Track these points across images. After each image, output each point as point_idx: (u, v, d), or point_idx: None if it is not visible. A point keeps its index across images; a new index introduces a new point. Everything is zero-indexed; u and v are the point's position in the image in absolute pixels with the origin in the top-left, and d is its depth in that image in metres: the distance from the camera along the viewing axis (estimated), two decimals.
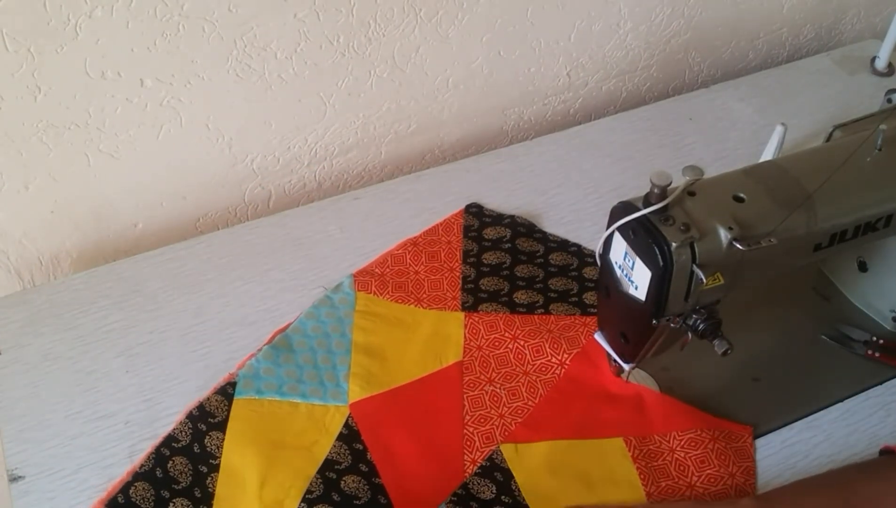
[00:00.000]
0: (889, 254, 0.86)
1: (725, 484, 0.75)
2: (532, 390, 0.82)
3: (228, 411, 0.79)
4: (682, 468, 0.76)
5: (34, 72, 0.81)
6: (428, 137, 1.12)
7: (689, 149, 1.10)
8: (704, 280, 0.65)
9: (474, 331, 0.87)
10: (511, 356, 0.85)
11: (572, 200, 1.03)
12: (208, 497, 0.73)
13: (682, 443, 0.77)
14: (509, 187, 1.04)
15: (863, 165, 0.74)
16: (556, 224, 0.99)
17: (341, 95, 1.00)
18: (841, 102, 1.17)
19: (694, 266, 0.65)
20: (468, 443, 0.78)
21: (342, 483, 0.75)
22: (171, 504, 0.72)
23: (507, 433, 0.78)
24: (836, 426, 0.81)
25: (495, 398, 0.81)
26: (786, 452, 0.79)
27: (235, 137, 0.98)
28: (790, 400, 0.83)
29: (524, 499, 0.74)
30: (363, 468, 0.76)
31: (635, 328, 0.71)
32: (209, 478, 0.74)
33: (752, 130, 1.12)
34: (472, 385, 0.82)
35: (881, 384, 0.84)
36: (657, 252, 0.64)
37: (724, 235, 0.65)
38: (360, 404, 0.80)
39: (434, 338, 0.86)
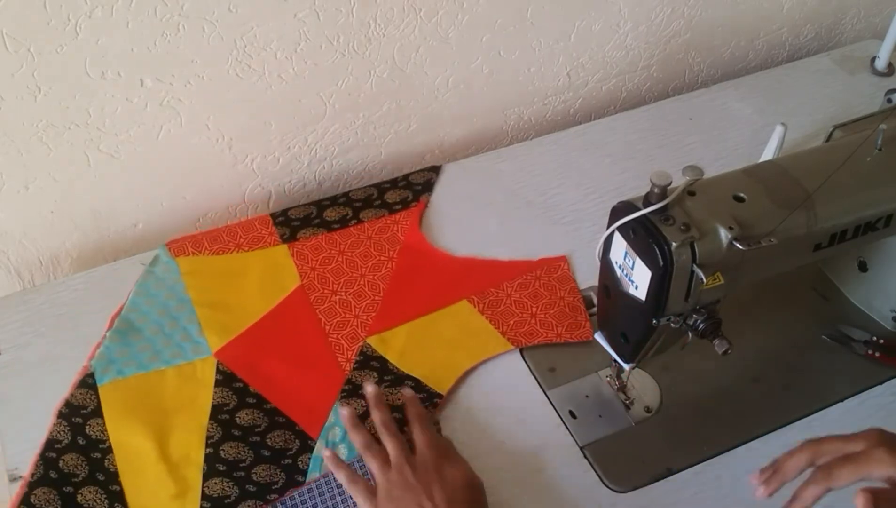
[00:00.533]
0: (889, 254, 0.86)
1: (559, 307, 0.89)
2: (374, 288, 0.91)
3: (97, 398, 0.80)
4: (521, 306, 0.89)
5: (34, 72, 0.81)
6: (428, 137, 1.12)
7: (689, 149, 1.10)
8: (704, 280, 0.65)
9: (302, 257, 0.94)
10: (344, 267, 0.93)
11: (572, 200, 1.03)
12: (113, 476, 0.75)
13: (515, 288, 0.91)
14: (509, 187, 1.04)
15: (863, 165, 0.74)
16: (556, 224, 0.99)
17: (341, 95, 1.00)
18: (841, 101, 1.17)
19: (694, 266, 0.65)
20: (337, 348, 0.86)
21: (237, 419, 0.79)
22: (80, 495, 0.73)
23: (367, 329, 0.87)
24: (836, 427, 0.80)
25: (345, 305, 0.89)
26: None
27: (235, 137, 0.98)
28: (790, 400, 0.83)
29: (404, 370, 0.83)
30: (251, 400, 0.81)
31: (635, 328, 0.71)
32: (106, 460, 0.76)
33: (752, 130, 1.12)
34: (320, 301, 0.90)
35: (882, 384, 0.84)
36: (657, 252, 0.64)
37: (724, 234, 0.65)
38: (224, 350, 0.85)
39: (267, 273, 0.92)
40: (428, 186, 1.03)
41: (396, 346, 0.86)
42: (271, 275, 0.92)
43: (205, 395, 0.81)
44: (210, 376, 0.82)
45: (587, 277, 0.93)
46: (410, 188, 1.02)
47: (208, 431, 0.78)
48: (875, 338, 0.87)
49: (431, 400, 0.81)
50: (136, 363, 0.83)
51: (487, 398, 0.82)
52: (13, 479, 0.74)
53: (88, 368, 0.82)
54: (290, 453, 0.77)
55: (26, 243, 0.96)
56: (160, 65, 0.87)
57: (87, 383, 0.81)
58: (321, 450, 0.77)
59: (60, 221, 0.96)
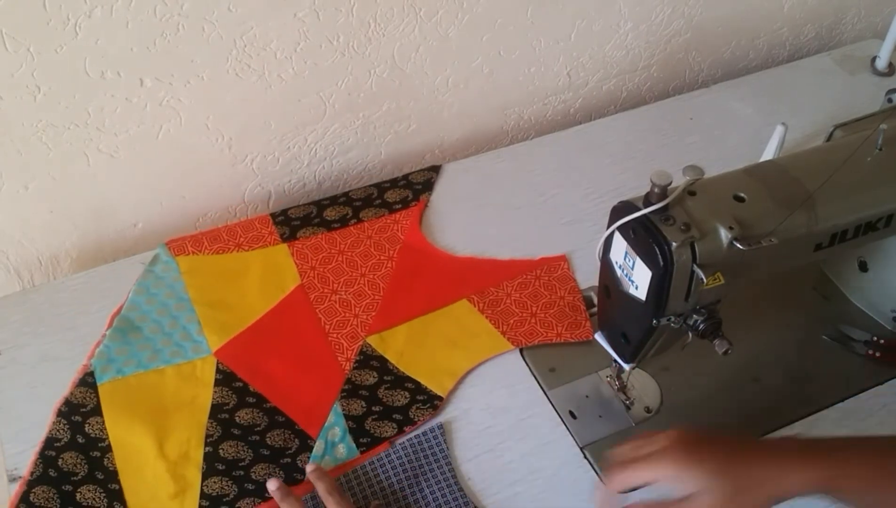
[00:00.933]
0: (890, 254, 0.86)
1: (559, 306, 0.89)
2: (374, 287, 0.91)
3: (97, 397, 0.80)
4: (521, 305, 0.89)
5: (34, 71, 0.81)
6: (428, 137, 1.12)
7: (690, 149, 1.10)
8: (705, 280, 0.65)
9: (302, 256, 0.94)
10: (344, 266, 0.93)
11: (572, 200, 1.02)
12: (112, 475, 0.75)
13: (515, 287, 0.91)
14: (509, 187, 1.04)
15: (863, 165, 0.74)
16: (556, 224, 0.99)
17: (341, 94, 1.00)
18: (841, 101, 1.17)
19: (694, 266, 0.65)
20: (337, 347, 0.86)
21: (236, 418, 0.79)
22: (79, 494, 0.73)
23: (367, 328, 0.87)
24: (837, 427, 0.81)
25: (345, 304, 0.89)
26: None
27: (235, 136, 0.98)
28: (791, 400, 0.83)
29: (404, 371, 0.83)
30: (250, 400, 0.81)
31: (636, 328, 0.71)
32: (105, 459, 0.76)
33: (753, 130, 1.12)
34: (320, 300, 0.90)
35: (882, 384, 0.84)
36: (657, 252, 0.64)
37: (724, 234, 0.65)
38: (224, 349, 0.85)
39: (268, 273, 0.92)
40: (428, 186, 1.03)
41: (396, 345, 0.86)
42: (271, 274, 0.92)
43: (204, 394, 0.81)
44: (210, 375, 0.83)
45: (587, 277, 0.93)
46: (410, 188, 1.02)
47: (207, 430, 0.78)
48: (875, 338, 0.87)
49: (431, 402, 0.81)
50: (135, 362, 0.83)
51: (487, 398, 0.82)
52: (12, 479, 0.74)
53: (88, 366, 0.82)
54: (290, 452, 0.77)
55: (26, 242, 0.96)
56: (160, 65, 0.87)
57: (87, 381, 0.81)
58: (320, 450, 0.77)
59: (60, 221, 0.95)
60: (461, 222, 0.99)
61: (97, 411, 0.79)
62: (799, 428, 0.80)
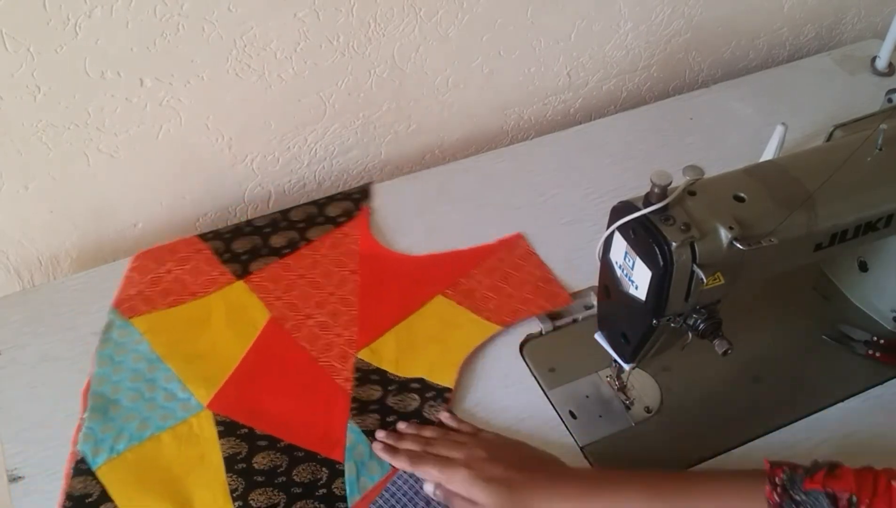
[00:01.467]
0: (889, 254, 0.86)
1: (531, 282, 0.90)
2: (346, 303, 0.89)
3: (99, 483, 0.74)
4: (496, 289, 0.89)
5: (34, 71, 0.81)
6: (428, 137, 1.12)
7: (690, 149, 1.10)
8: (705, 280, 0.65)
9: (263, 289, 0.90)
10: (309, 289, 0.90)
11: (572, 200, 1.02)
12: None
13: (483, 274, 0.92)
14: (509, 187, 1.04)
15: (863, 165, 0.74)
16: (556, 224, 0.99)
17: (341, 94, 1.00)
18: (841, 101, 1.17)
19: (694, 266, 0.65)
20: (331, 370, 0.83)
21: (254, 464, 0.76)
22: None
23: (354, 345, 0.85)
24: (836, 427, 0.81)
25: (324, 326, 0.87)
26: (786, 453, 0.78)
27: (235, 136, 0.98)
28: (790, 400, 0.83)
29: (405, 376, 0.83)
30: (262, 443, 0.77)
31: (635, 328, 0.71)
32: None
33: (753, 130, 1.12)
34: (296, 328, 0.87)
35: (882, 384, 0.84)
36: (657, 252, 0.64)
37: (724, 234, 0.65)
38: (215, 400, 0.80)
39: (233, 313, 0.88)
40: (365, 195, 1.01)
41: (388, 354, 0.84)
42: (237, 314, 0.88)
43: (211, 450, 0.77)
44: (210, 429, 0.78)
45: (587, 277, 0.93)
46: (349, 198, 1.00)
47: (230, 484, 0.74)
48: (875, 338, 0.87)
49: (441, 396, 0.80)
50: (126, 436, 0.77)
51: (487, 398, 0.82)
52: (12, 479, 0.74)
53: (77, 454, 0.76)
54: (322, 483, 0.74)
55: (26, 242, 0.96)
56: (160, 65, 0.87)
57: (81, 469, 0.74)
58: (352, 471, 0.75)
59: (60, 221, 0.96)
60: (461, 222, 0.99)
61: (105, 497, 0.73)
62: (799, 428, 0.80)
